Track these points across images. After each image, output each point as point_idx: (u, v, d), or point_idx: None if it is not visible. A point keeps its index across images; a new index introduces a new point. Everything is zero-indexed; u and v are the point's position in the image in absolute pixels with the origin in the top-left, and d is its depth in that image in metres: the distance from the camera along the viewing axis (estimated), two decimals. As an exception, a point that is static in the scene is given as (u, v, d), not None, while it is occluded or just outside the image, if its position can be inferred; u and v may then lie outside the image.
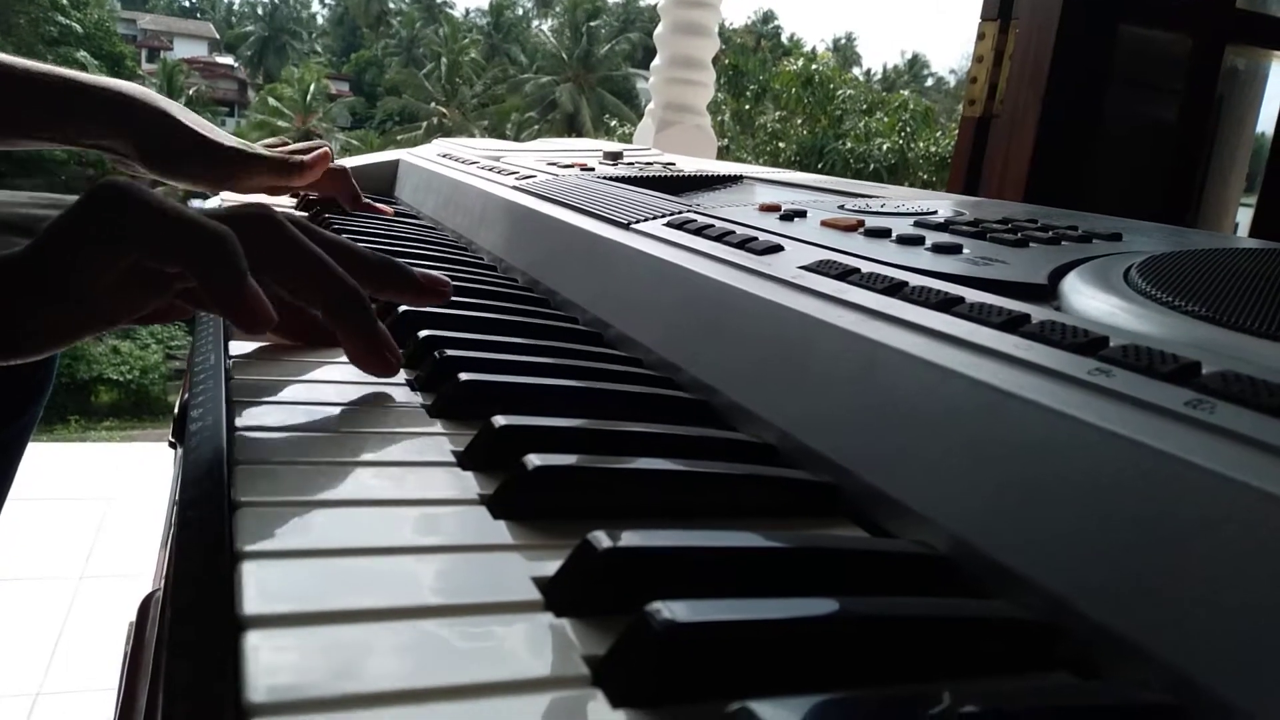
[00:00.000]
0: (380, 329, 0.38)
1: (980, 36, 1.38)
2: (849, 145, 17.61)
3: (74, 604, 1.84)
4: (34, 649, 1.67)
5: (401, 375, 0.41)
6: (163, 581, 0.39)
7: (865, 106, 18.68)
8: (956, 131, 1.52)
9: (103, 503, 2.30)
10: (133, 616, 0.53)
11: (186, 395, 0.39)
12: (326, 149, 0.78)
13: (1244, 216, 1.78)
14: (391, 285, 0.42)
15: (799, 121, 18.05)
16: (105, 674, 1.49)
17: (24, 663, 1.63)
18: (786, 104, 17.95)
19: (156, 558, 0.64)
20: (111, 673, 0.57)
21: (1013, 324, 0.30)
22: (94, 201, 0.31)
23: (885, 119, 17.79)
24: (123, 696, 0.46)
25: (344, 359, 0.42)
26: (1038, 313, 0.31)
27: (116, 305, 0.34)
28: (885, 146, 17.28)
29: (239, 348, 0.42)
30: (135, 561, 1.92)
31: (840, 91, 18.33)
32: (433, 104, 22.57)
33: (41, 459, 2.52)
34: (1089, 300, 0.33)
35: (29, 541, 2.07)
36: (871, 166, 16.77)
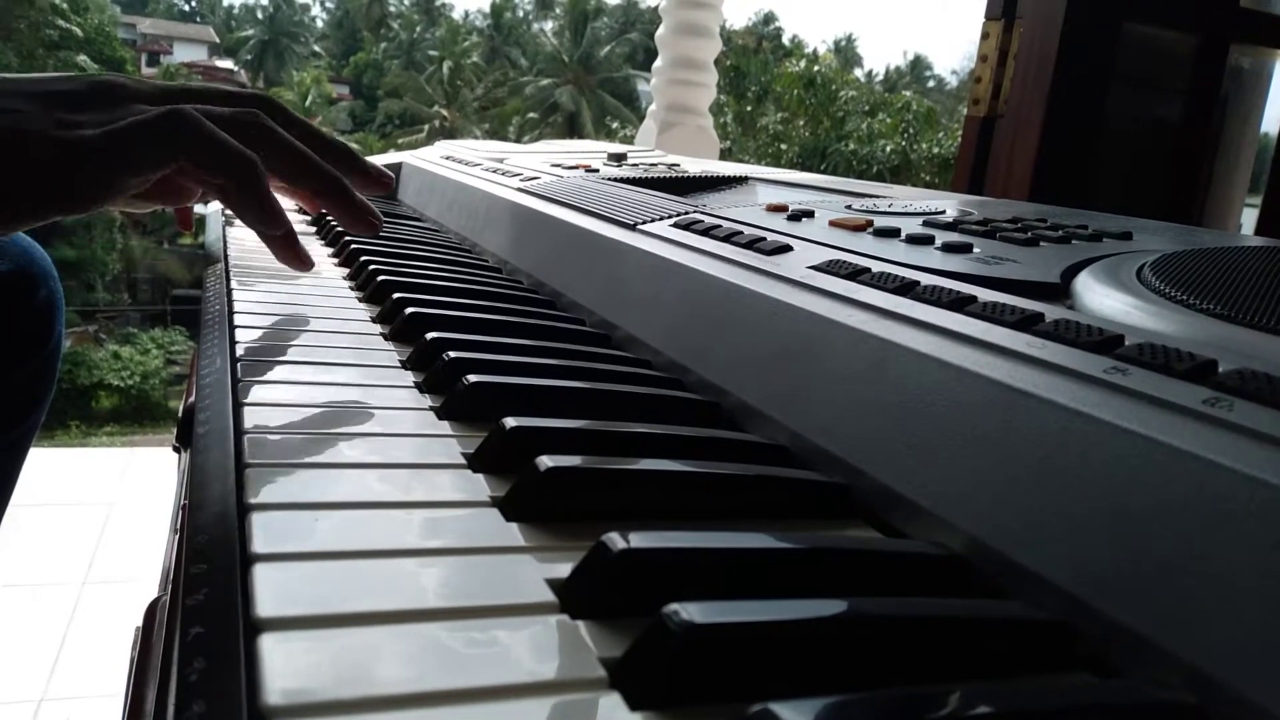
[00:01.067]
0: (358, 199, 0.51)
1: (984, 36, 1.38)
2: (852, 147, 17.60)
3: (77, 609, 1.84)
4: (38, 655, 1.67)
5: (409, 378, 0.41)
6: (170, 587, 0.39)
7: (868, 107, 18.69)
8: (959, 132, 1.52)
9: (105, 508, 2.29)
10: (139, 622, 0.53)
11: (191, 399, 0.39)
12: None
13: (1249, 217, 1.78)
14: (334, 196, 0.51)
15: (801, 123, 18.05)
16: (109, 679, 1.49)
17: (28, 668, 1.63)
18: (788, 105, 17.95)
19: (161, 563, 0.64)
20: (115, 678, 0.57)
21: (1026, 323, 0.30)
22: (164, 119, 0.42)
23: (888, 120, 17.79)
24: (130, 701, 0.46)
25: (351, 362, 0.43)
26: (1051, 311, 0.31)
27: (161, 191, 0.49)
28: (888, 148, 17.27)
29: (245, 348, 0.42)
30: (138, 566, 1.91)
31: (843, 93, 18.33)
32: (435, 107, 22.59)
33: (43, 464, 2.52)
34: (1103, 299, 0.33)
35: (32, 547, 2.07)
36: (875, 168, 16.76)
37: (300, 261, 0.52)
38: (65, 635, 1.74)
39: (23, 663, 1.65)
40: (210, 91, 0.48)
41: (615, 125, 20.78)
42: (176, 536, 0.42)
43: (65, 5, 14.11)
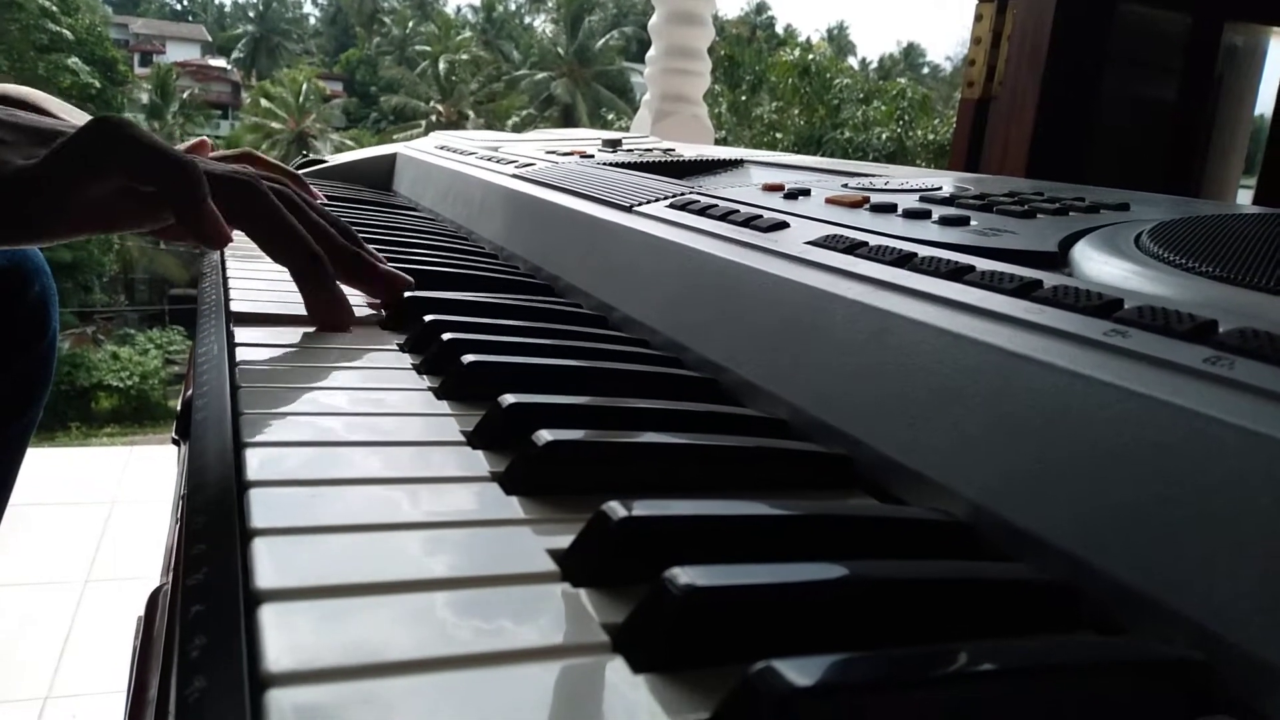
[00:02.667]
0: (337, 293, 0.45)
1: (978, 18, 1.38)
2: (847, 135, 17.57)
3: (80, 608, 1.84)
4: (41, 654, 1.67)
5: (407, 359, 0.41)
6: (171, 571, 0.39)
7: (862, 95, 18.65)
8: (954, 118, 1.51)
9: (106, 506, 2.29)
10: (141, 611, 0.53)
11: (189, 392, 0.39)
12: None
13: (1244, 198, 1.78)
14: (354, 274, 0.47)
15: (796, 112, 18.02)
16: (113, 677, 1.49)
17: (32, 667, 1.63)
18: (783, 94, 17.91)
19: (163, 556, 0.64)
20: (120, 675, 0.57)
21: (1025, 289, 0.30)
22: (90, 132, 0.40)
23: (883, 108, 17.76)
24: (133, 689, 0.46)
25: (349, 344, 0.42)
26: (1050, 278, 0.31)
27: (106, 212, 0.43)
28: (884, 135, 17.25)
29: (243, 335, 0.42)
30: (140, 564, 1.91)
31: (837, 81, 18.30)
32: (430, 102, 22.55)
33: (44, 464, 2.52)
34: (1101, 266, 0.33)
35: (34, 547, 2.07)
36: (870, 156, 16.73)
37: (382, 289, 0.48)
38: (69, 634, 1.74)
39: (27, 662, 1.65)
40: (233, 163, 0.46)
41: (611, 117, 20.75)
42: (177, 525, 0.42)
43: (55, 8, 14.05)
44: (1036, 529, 0.24)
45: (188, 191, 0.40)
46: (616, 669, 0.19)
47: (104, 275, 14.37)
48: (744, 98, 18.04)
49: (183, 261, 14.53)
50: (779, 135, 17.75)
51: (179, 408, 0.50)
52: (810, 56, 18.76)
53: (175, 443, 0.52)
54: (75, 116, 0.70)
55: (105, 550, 2.09)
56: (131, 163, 0.40)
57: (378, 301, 0.49)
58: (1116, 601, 0.22)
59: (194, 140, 0.66)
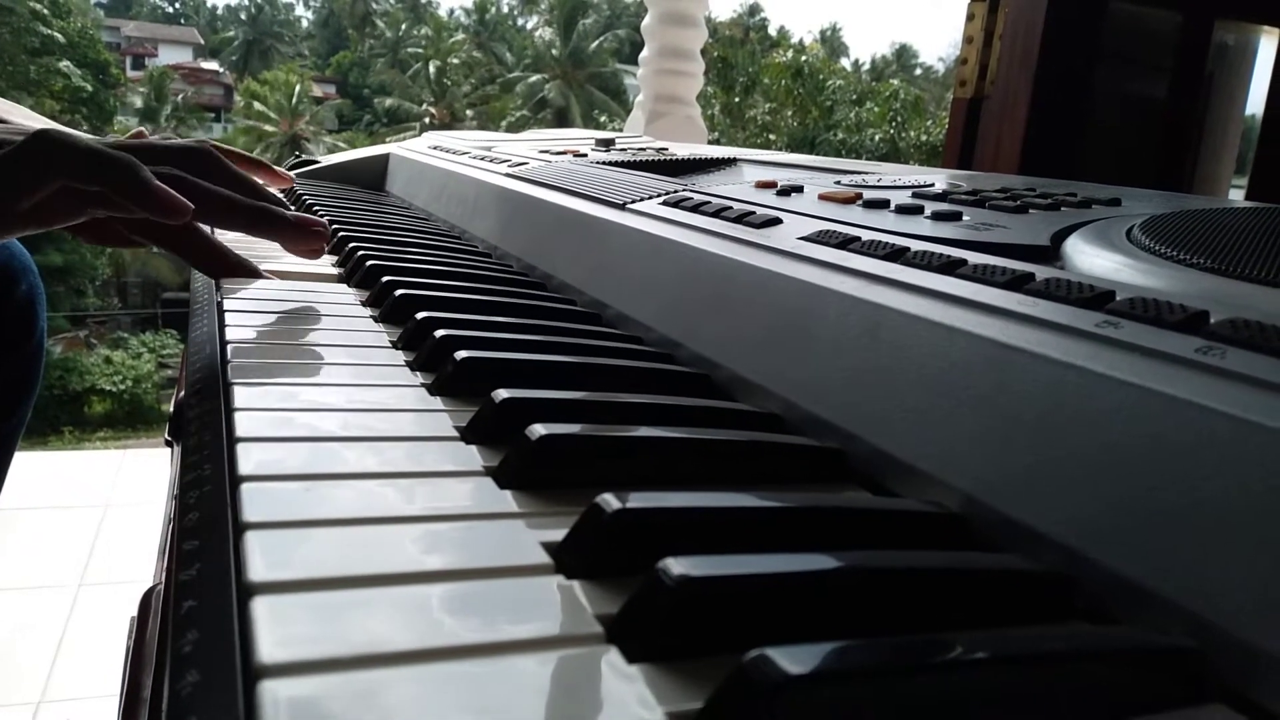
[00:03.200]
0: (296, 218, 0.50)
1: (970, 17, 1.38)
2: (840, 136, 17.59)
3: (74, 611, 1.83)
4: (35, 658, 1.67)
5: (401, 356, 0.41)
6: (164, 570, 0.38)
7: (856, 96, 18.68)
8: (947, 118, 1.52)
9: (100, 510, 2.29)
10: (134, 612, 0.53)
11: (182, 394, 0.38)
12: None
13: (1235, 197, 1.78)
14: (261, 226, 0.50)
15: (789, 113, 18.03)
16: (108, 680, 1.49)
17: (26, 671, 1.63)
18: (776, 96, 17.93)
19: (156, 558, 0.64)
20: (114, 678, 0.57)
21: (1017, 282, 0.30)
22: (29, 145, 0.42)
23: (876, 109, 17.78)
24: (126, 689, 0.45)
25: (342, 343, 0.42)
26: (1042, 272, 0.31)
27: (48, 214, 0.44)
28: (877, 136, 17.27)
29: (235, 332, 0.42)
30: (134, 568, 1.91)
31: (830, 82, 18.32)
32: (424, 105, 22.53)
33: (37, 468, 2.51)
34: (1093, 259, 0.33)
35: (28, 551, 2.06)
36: (864, 157, 16.75)
37: (242, 267, 0.53)
38: (63, 637, 1.74)
39: (21, 666, 1.65)
40: (145, 145, 0.48)
41: (604, 119, 20.75)
42: (171, 525, 0.42)
43: (47, 11, 14.01)
44: (1030, 520, 0.24)
45: (131, 181, 0.43)
46: (611, 659, 0.19)
47: (96, 279, 14.33)
48: (738, 99, 18.05)
49: (175, 264, 14.48)
50: (773, 137, 17.76)
51: (171, 408, 0.50)
52: (803, 58, 18.78)
53: (168, 444, 0.52)
54: (36, 122, 0.70)
55: (99, 554, 2.08)
56: (71, 169, 0.42)
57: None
58: (1110, 591, 0.22)
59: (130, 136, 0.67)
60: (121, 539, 2.15)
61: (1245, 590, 0.20)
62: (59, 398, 11.07)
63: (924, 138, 16.85)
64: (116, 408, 11.69)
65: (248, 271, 0.54)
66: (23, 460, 0.74)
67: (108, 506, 2.31)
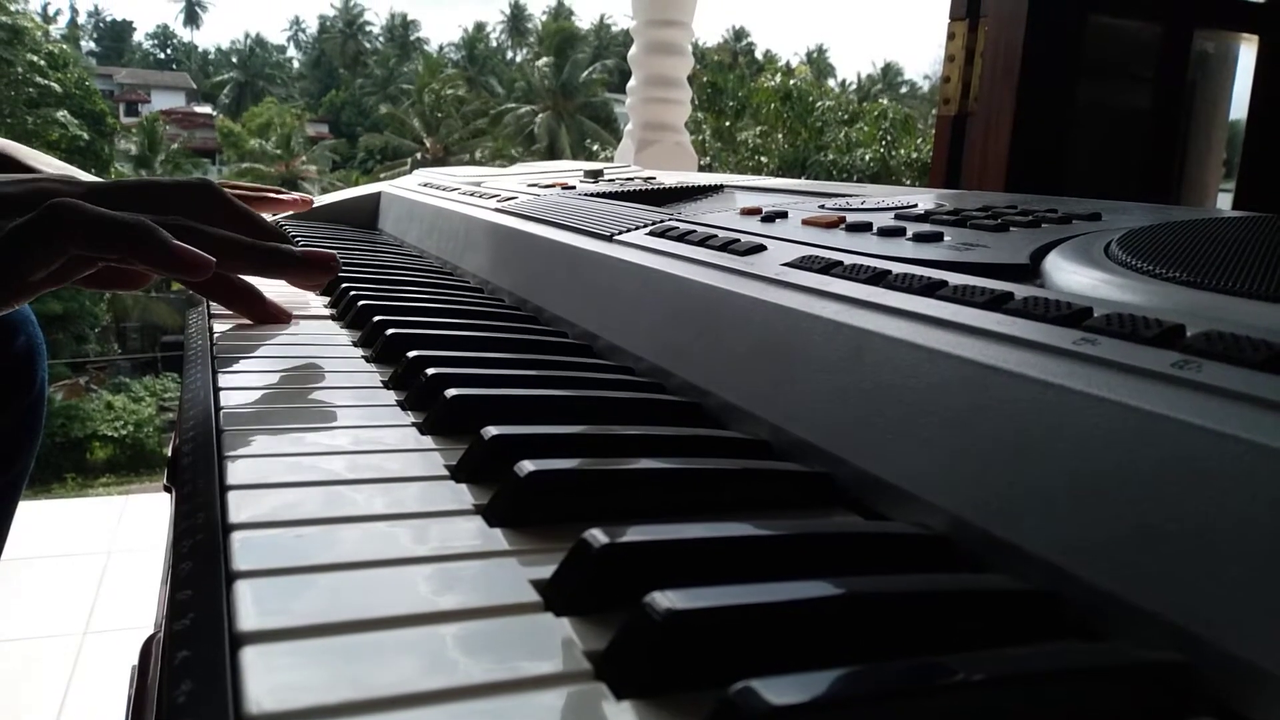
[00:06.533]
0: (302, 254, 0.50)
1: (951, 36, 1.40)
2: (831, 156, 17.69)
3: (79, 660, 1.82)
4: (41, 708, 1.65)
5: (392, 396, 0.41)
6: (164, 618, 0.38)
7: (845, 117, 18.81)
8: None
9: (103, 557, 2.28)
10: (135, 660, 0.53)
11: (178, 440, 0.39)
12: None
13: (1224, 202, 1.79)
14: (273, 267, 0.50)
15: (780, 135, 18.15)
16: (114, 728, 1.47)
17: (32, 722, 1.61)
18: (767, 119, 18.05)
19: (156, 605, 0.64)
20: (119, 724, 0.56)
21: (996, 302, 0.30)
22: (38, 222, 0.40)
23: (866, 129, 17.90)
24: (128, 740, 0.45)
25: (334, 385, 0.43)
26: (1021, 290, 0.31)
27: (62, 277, 0.43)
28: (867, 156, 17.37)
29: (227, 379, 0.42)
30: (139, 614, 1.90)
31: (819, 103, 18.45)
32: (416, 140, 22.68)
33: (40, 516, 2.50)
34: (1071, 275, 0.33)
35: (32, 600, 2.05)
36: (855, 177, 16.84)
37: (274, 315, 0.55)
38: (68, 686, 1.72)
39: (26, 717, 1.64)
40: (151, 185, 0.48)
41: (595, 148, 20.87)
42: (167, 570, 0.42)
43: (44, 62, 14.13)
44: (1014, 538, 0.24)
45: (148, 245, 0.42)
46: (599, 697, 0.19)
47: (96, 325, 14.36)
48: (728, 123, 18.17)
49: (175, 308, 14.53)
50: (764, 159, 17.86)
51: (169, 454, 0.50)
52: (792, 82, 18.93)
53: (168, 490, 0.52)
54: (50, 166, 0.70)
55: (103, 601, 2.07)
56: (85, 242, 0.41)
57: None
58: (1096, 607, 0.22)
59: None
60: (125, 585, 2.14)
61: (1228, 603, 0.20)
62: (61, 444, 11.06)
63: (914, 155, 16.95)
64: (119, 453, 11.68)
65: (280, 315, 0.56)
66: (26, 509, 0.74)
67: (111, 553, 2.30)
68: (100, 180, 0.47)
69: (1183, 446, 0.22)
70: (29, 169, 0.68)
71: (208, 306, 0.61)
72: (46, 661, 1.81)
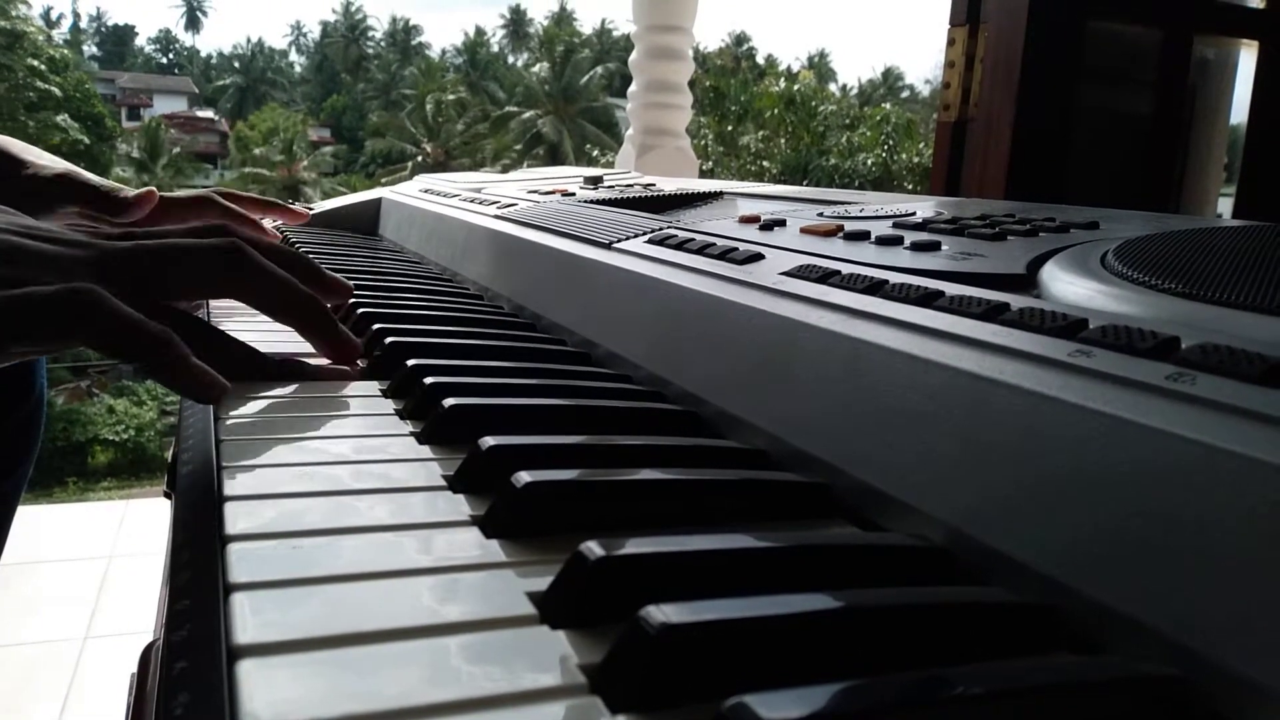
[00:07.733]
0: (344, 333, 0.46)
1: (950, 42, 1.40)
2: (833, 161, 17.71)
3: (79, 665, 1.82)
4: (42, 713, 1.65)
5: (390, 405, 0.41)
6: (162, 626, 0.38)
7: (847, 121, 18.82)
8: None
9: (104, 561, 2.28)
10: (134, 668, 0.53)
11: (177, 447, 0.39)
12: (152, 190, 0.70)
13: (1224, 207, 1.79)
14: (312, 330, 0.46)
15: (782, 140, 18.16)
16: (114, 734, 1.47)
17: (32, 728, 1.61)
18: (769, 123, 18.06)
19: (156, 612, 0.64)
20: (119, 730, 0.56)
21: (993, 313, 0.30)
22: (58, 307, 0.36)
23: (868, 133, 17.91)
24: (127, 748, 0.45)
25: (333, 392, 0.43)
26: (1017, 301, 0.31)
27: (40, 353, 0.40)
28: (869, 161, 17.38)
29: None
30: (140, 619, 1.90)
31: (822, 108, 18.47)
32: (418, 144, 22.72)
33: (41, 521, 2.50)
34: (1067, 286, 0.33)
35: (32, 605, 2.05)
36: (857, 181, 16.85)
37: (339, 351, 0.47)
38: (69, 692, 1.72)
39: (27, 723, 1.64)
40: (167, 250, 0.42)
41: (596, 152, 20.89)
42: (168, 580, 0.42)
43: (44, 67, 14.17)
44: (1011, 551, 0.25)
45: (168, 363, 0.38)
46: (595, 711, 0.19)
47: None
48: (730, 128, 18.18)
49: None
50: (766, 164, 17.88)
51: (169, 459, 0.50)
52: (795, 87, 18.95)
53: (167, 496, 0.53)
54: (53, 163, 0.70)
55: (104, 606, 2.07)
56: (99, 341, 0.37)
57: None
58: (1093, 621, 0.22)
59: (142, 190, 0.66)
60: (126, 590, 2.14)
61: (1223, 617, 0.20)
62: (62, 449, 11.06)
63: (915, 160, 16.95)
64: (120, 457, 11.68)
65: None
66: (28, 514, 0.75)
67: (112, 558, 2.30)
68: (126, 245, 0.41)
69: (1176, 460, 0.22)
70: (25, 164, 0.68)
71: (208, 311, 0.61)
72: (48, 666, 1.81)
